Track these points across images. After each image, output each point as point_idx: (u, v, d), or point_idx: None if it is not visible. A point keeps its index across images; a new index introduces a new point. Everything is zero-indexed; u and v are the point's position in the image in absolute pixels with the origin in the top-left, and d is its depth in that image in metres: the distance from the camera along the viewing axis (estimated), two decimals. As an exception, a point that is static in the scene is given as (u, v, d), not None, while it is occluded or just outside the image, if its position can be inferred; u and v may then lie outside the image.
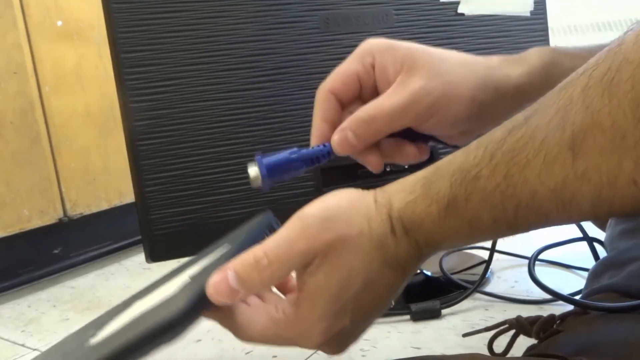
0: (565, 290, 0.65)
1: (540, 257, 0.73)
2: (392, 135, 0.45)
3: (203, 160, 0.65)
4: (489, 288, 0.76)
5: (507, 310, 0.70)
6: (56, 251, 1.07)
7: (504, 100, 0.45)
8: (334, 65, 0.48)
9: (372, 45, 0.46)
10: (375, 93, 0.46)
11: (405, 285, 0.38)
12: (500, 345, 0.47)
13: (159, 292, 0.35)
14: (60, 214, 1.05)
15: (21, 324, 0.86)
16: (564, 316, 0.44)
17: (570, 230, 0.77)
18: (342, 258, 0.35)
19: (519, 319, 0.45)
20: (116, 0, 0.61)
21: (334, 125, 0.46)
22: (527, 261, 0.69)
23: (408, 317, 0.69)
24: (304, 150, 0.44)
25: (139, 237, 0.76)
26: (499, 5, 0.74)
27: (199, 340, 0.71)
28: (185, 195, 0.64)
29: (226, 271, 0.35)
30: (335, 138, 0.45)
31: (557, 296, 0.53)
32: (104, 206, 1.12)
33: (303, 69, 0.67)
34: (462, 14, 0.73)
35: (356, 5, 0.68)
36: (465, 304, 0.71)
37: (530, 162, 0.31)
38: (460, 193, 0.33)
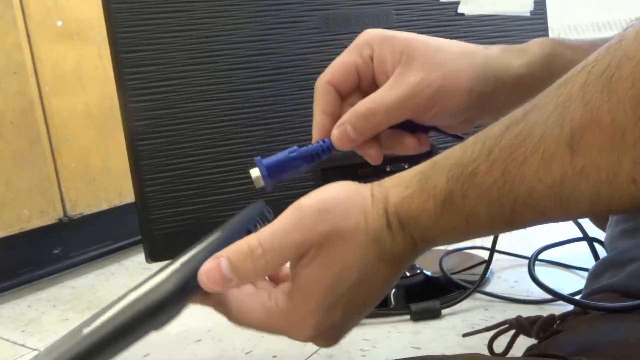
0: (565, 290, 0.65)
1: (540, 257, 0.73)
2: (392, 127, 0.45)
3: (203, 160, 0.65)
4: (489, 288, 0.76)
5: (507, 310, 0.70)
6: (56, 251, 1.07)
7: (504, 91, 0.45)
8: (334, 66, 0.48)
9: (371, 36, 0.46)
10: (374, 84, 0.46)
11: (398, 279, 0.38)
12: (500, 345, 0.47)
13: (151, 281, 0.35)
14: (60, 214, 1.05)
15: (21, 324, 0.86)
16: (564, 316, 0.44)
17: (570, 230, 0.77)
18: (337, 251, 0.35)
19: (519, 319, 0.45)
20: (116, 0, 0.61)
21: (334, 117, 0.46)
22: (527, 261, 0.69)
23: (408, 317, 0.69)
24: (303, 148, 0.44)
25: (139, 237, 0.76)
26: (499, 5, 0.74)
27: (199, 340, 0.71)
28: (185, 195, 0.64)
29: (219, 259, 0.34)
30: (335, 133, 0.45)
31: (557, 296, 0.53)
32: (104, 206, 1.12)
33: (303, 69, 0.67)
34: (462, 14, 0.73)
35: (356, 5, 0.68)
36: (465, 304, 0.71)
37: (528, 159, 0.30)
38: (457, 188, 0.33)
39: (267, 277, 0.40)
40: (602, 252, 0.67)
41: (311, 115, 0.47)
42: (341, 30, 0.68)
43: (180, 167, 0.64)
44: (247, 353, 0.66)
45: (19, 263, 1.02)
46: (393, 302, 0.73)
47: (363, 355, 0.62)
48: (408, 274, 0.78)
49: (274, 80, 0.66)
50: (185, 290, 0.34)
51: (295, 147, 0.44)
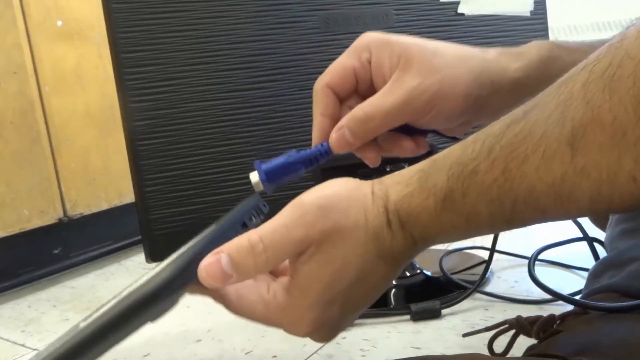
0: (565, 290, 0.65)
1: (540, 257, 0.73)
2: (390, 129, 0.45)
3: (203, 160, 0.65)
4: (489, 288, 0.76)
5: (507, 310, 0.70)
6: (56, 251, 1.07)
7: (501, 94, 0.45)
8: (334, 66, 0.48)
9: (369, 40, 0.46)
10: (372, 87, 0.46)
11: (397, 277, 0.38)
12: (500, 345, 0.47)
13: (147, 275, 0.36)
14: (60, 214, 1.05)
15: (21, 324, 0.86)
16: (564, 316, 0.44)
17: (570, 230, 0.77)
18: (336, 248, 0.35)
19: (519, 319, 0.45)
20: (116, 0, 0.61)
21: (333, 119, 0.46)
22: (527, 261, 0.69)
23: (408, 317, 0.69)
24: (301, 152, 0.45)
25: (139, 237, 0.76)
26: (499, 5, 0.74)
27: (199, 340, 0.71)
28: (185, 195, 0.64)
29: (219, 254, 0.34)
30: (333, 137, 0.45)
31: (557, 296, 0.53)
32: (104, 206, 1.12)
33: (303, 69, 0.67)
34: (462, 14, 0.73)
35: (356, 5, 0.68)
36: (465, 304, 0.71)
37: (529, 157, 0.30)
38: (457, 187, 0.33)
39: None
40: (602, 252, 0.68)
41: (311, 116, 0.48)
42: (341, 30, 0.68)
43: (180, 167, 0.64)
44: (247, 353, 0.66)
45: (19, 263, 1.02)
46: (393, 302, 0.73)
47: (363, 355, 0.62)
48: (408, 274, 0.78)
49: (274, 80, 0.66)
50: (181, 279, 0.34)
51: (294, 151, 0.44)
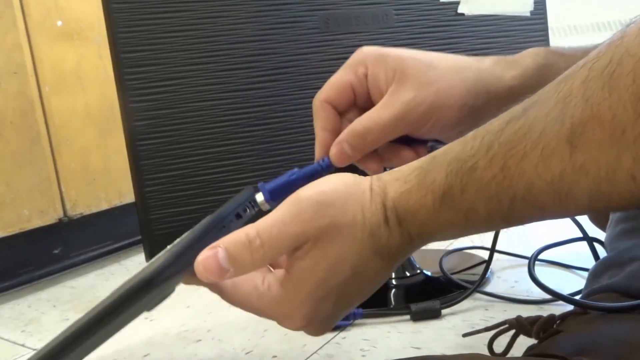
0: (565, 290, 0.65)
1: (540, 257, 0.73)
2: (390, 141, 0.47)
3: (203, 160, 0.65)
4: (489, 288, 0.76)
5: (507, 310, 0.70)
6: (56, 251, 1.07)
7: (496, 103, 0.45)
8: (334, 65, 0.49)
9: (365, 55, 0.47)
10: (370, 100, 0.48)
11: (392, 273, 0.38)
12: (500, 345, 0.47)
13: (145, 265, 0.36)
14: (60, 214, 1.05)
15: (21, 324, 0.86)
16: (564, 316, 0.44)
17: (570, 230, 0.77)
18: (332, 245, 0.35)
19: (519, 319, 0.45)
20: (116, 0, 0.61)
21: (334, 132, 0.47)
22: (527, 261, 0.69)
23: (408, 317, 0.69)
24: (302, 170, 0.46)
25: (139, 237, 0.76)
26: (499, 5, 0.74)
27: (199, 340, 0.71)
28: (185, 195, 0.64)
29: (216, 248, 0.35)
30: (333, 151, 0.46)
31: (557, 296, 0.53)
32: (104, 206, 1.12)
33: (303, 69, 0.67)
34: (462, 14, 0.73)
35: (356, 5, 0.68)
36: (465, 304, 0.71)
37: (528, 154, 0.30)
38: (456, 183, 0.33)
39: None
40: (602, 252, 0.67)
41: (311, 116, 0.48)
42: (341, 30, 0.68)
43: (180, 167, 0.64)
44: (247, 353, 0.66)
45: (19, 263, 1.02)
46: (393, 302, 0.73)
47: (363, 355, 0.62)
48: (408, 274, 0.78)
49: (274, 80, 0.66)
50: (175, 266, 0.34)
51: (295, 170, 0.45)
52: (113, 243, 1.15)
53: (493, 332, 0.47)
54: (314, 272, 0.35)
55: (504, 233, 0.83)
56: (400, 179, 0.36)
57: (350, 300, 0.38)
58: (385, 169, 0.49)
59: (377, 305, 0.70)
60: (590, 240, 0.74)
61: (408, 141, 0.47)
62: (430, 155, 0.36)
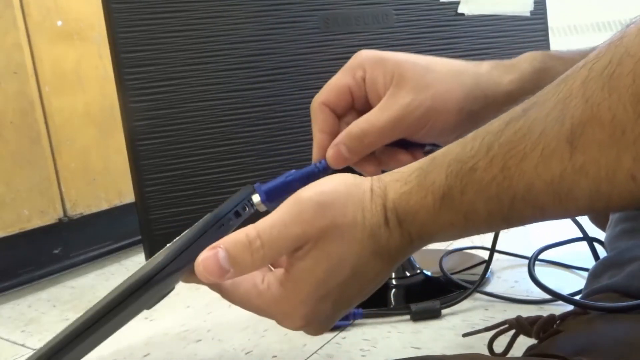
0: (565, 290, 0.65)
1: (540, 257, 0.73)
2: (387, 144, 0.47)
3: (203, 160, 0.65)
4: (489, 288, 0.76)
5: (507, 310, 0.70)
6: (56, 251, 1.07)
7: (494, 107, 0.45)
8: (334, 65, 0.49)
9: (363, 58, 0.47)
10: (368, 103, 0.48)
11: (391, 273, 0.38)
12: (500, 345, 0.47)
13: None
14: (60, 214, 1.05)
15: (21, 324, 0.86)
16: (564, 316, 0.44)
17: (570, 230, 0.77)
18: (332, 246, 0.35)
19: (519, 319, 0.45)
20: (116, 0, 0.61)
21: (332, 135, 0.48)
22: (527, 261, 0.69)
23: (408, 317, 0.69)
24: (299, 171, 0.46)
25: (139, 237, 0.76)
26: (499, 5, 0.74)
27: (199, 340, 0.71)
28: (185, 195, 0.64)
29: (216, 249, 0.35)
30: (330, 153, 0.47)
31: (557, 296, 0.53)
32: (104, 206, 1.12)
33: (303, 69, 0.67)
34: (462, 14, 0.73)
35: (356, 5, 0.68)
36: (465, 304, 0.71)
37: (528, 155, 0.30)
38: (456, 184, 0.33)
39: None
40: (602, 252, 0.67)
41: (311, 116, 0.48)
42: (341, 30, 0.68)
43: (180, 167, 0.64)
44: (247, 353, 0.66)
45: (19, 263, 1.02)
46: (393, 302, 0.73)
47: (363, 355, 0.62)
48: (408, 274, 0.78)
49: (274, 80, 0.66)
50: (174, 264, 0.35)
51: (292, 171, 0.46)
52: (113, 243, 1.15)
53: (493, 332, 0.47)
54: (314, 272, 0.35)
55: (504, 233, 0.83)
56: (400, 180, 0.36)
57: (350, 300, 0.38)
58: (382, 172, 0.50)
59: (377, 305, 0.70)
60: (590, 240, 0.74)
61: (405, 145, 0.48)
62: (430, 157, 0.36)
